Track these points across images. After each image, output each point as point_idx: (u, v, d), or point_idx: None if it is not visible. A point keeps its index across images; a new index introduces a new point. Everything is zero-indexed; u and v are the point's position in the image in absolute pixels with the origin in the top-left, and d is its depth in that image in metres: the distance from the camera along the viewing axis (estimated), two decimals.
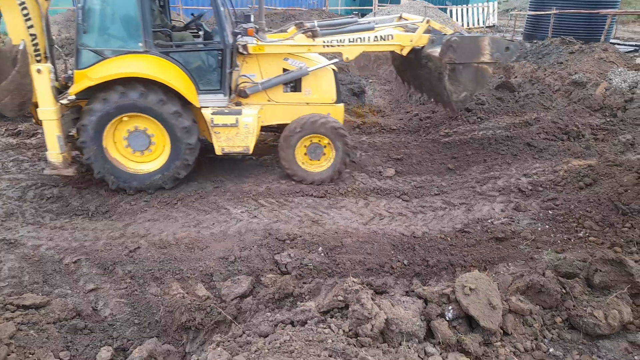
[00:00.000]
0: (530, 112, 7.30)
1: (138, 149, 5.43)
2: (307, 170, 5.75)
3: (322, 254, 4.33)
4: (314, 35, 5.51)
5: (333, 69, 5.86)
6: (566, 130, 6.72)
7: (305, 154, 5.72)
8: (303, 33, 5.55)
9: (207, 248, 4.44)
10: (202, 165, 6.00)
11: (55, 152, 5.17)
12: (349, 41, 5.58)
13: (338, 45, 5.60)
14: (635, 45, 15.39)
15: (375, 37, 5.61)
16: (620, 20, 21.25)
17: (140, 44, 5.09)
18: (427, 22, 5.73)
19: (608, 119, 7.34)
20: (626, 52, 13.73)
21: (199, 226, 4.82)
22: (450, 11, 22.16)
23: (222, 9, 5.28)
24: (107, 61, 5.10)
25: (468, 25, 22.39)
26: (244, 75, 5.64)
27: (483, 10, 23.20)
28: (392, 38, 5.63)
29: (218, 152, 5.50)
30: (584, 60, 10.76)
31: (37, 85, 4.95)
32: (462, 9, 22.73)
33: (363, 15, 21.11)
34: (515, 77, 9.48)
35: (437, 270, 4.14)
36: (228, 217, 5.01)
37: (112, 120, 5.15)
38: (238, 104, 5.64)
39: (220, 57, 5.30)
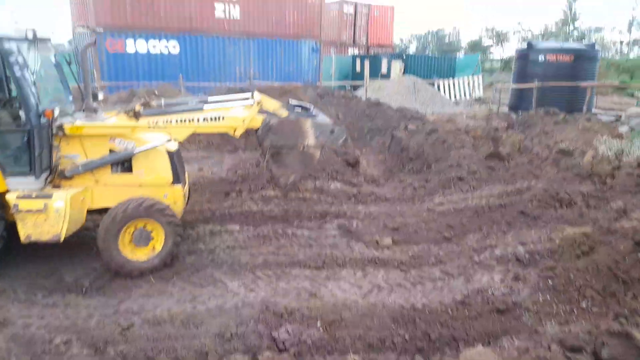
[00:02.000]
0: (521, 180, 7.48)
1: None
2: (135, 260, 5.14)
3: (321, 329, 4.21)
4: (136, 115, 5.29)
5: (169, 150, 5.54)
6: (558, 197, 6.84)
7: (132, 242, 5.18)
8: (125, 113, 5.37)
9: (203, 324, 4.31)
10: (202, 236, 5.98)
11: None
12: (177, 122, 5.33)
13: (164, 126, 5.35)
14: (616, 115, 16.09)
15: (205, 118, 5.39)
16: (599, 92, 22.35)
17: None
18: (258, 103, 5.55)
19: (598, 186, 7.51)
20: (608, 121, 14.33)
21: (195, 301, 4.72)
22: (438, 85, 23.28)
23: (27, 87, 4.78)
24: None
25: (455, 98, 23.43)
26: (66, 157, 5.25)
27: (469, 84, 24.40)
28: (222, 119, 5.40)
29: (23, 240, 4.89)
30: (569, 129, 11.20)
31: None
32: (449, 83, 23.90)
33: (355, 89, 22.10)
34: (504, 146, 9.80)
35: (440, 345, 4.03)
36: (225, 291, 4.92)
37: None
38: (57, 186, 5.24)
39: (27, 138, 4.86)
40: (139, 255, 5.17)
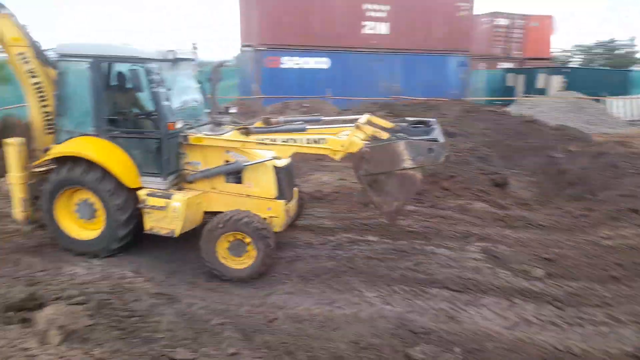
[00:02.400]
0: None
1: (84, 218, 5.95)
2: (227, 265, 5.43)
3: (460, 356, 4.00)
4: (247, 132, 5.52)
5: (276, 165, 5.70)
6: None
7: (228, 249, 5.45)
8: (237, 130, 5.62)
9: (339, 329, 4.42)
10: (342, 244, 6.15)
11: (18, 210, 6.05)
12: (281, 141, 5.45)
13: (271, 144, 5.50)
14: None
15: (308, 139, 5.39)
16: None
17: (91, 128, 5.74)
18: (357, 127, 5.37)
19: None
20: None
21: (332, 305, 4.87)
22: (607, 103, 20.58)
23: (161, 101, 5.49)
24: (70, 140, 5.81)
25: (630, 117, 20.44)
26: (189, 163, 5.84)
27: None
28: (324, 142, 5.32)
29: (146, 230, 5.70)
30: None
31: (8, 155, 5.88)
32: (621, 102, 20.98)
33: (506, 105, 20.72)
34: None
35: None
36: (361, 300, 4.99)
37: (62, 190, 5.80)
38: (181, 188, 5.82)
39: (158, 145, 5.59)
40: (234, 263, 5.46)
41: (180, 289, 5.11)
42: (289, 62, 21.18)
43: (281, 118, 6.25)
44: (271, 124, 5.96)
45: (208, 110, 6.42)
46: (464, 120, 14.05)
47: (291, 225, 6.41)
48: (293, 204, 6.24)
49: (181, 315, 4.54)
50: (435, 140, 5.09)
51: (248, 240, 5.36)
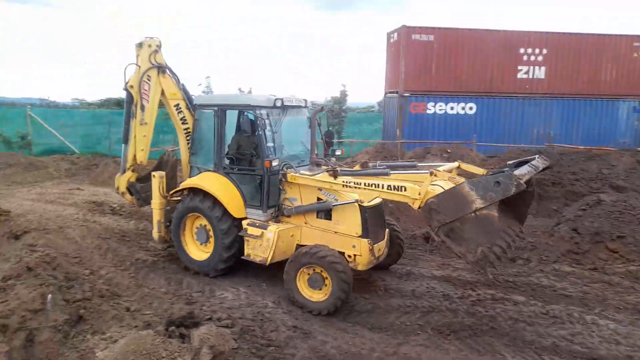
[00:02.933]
0: None
1: (201, 241, 6.85)
2: (307, 298, 5.71)
3: None
4: (335, 174, 5.80)
5: (362, 205, 5.77)
6: None
7: (307, 281, 5.74)
8: (327, 172, 5.94)
9: None
10: (483, 300, 5.73)
11: (155, 231, 7.30)
12: (364, 184, 5.61)
13: (355, 187, 5.68)
14: None
15: (389, 186, 5.45)
16: None
17: (212, 165, 6.79)
18: (432, 174, 5.30)
19: None
20: None
21: None
22: None
23: (263, 143, 6.16)
24: (197, 175, 6.92)
25: None
26: (287, 199, 6.33)
27: None
28: (404, 190, 5.31)
29: (243, 256, 6.37)
30: None
31: (153, 185, 7.17)
32: None
33: None
34: None
35: None
36: None
37: (186, 216, 6.85)
38: (278, 221, 6.36)
39: (259, 181, 6.30)
40: (312, 295, 5.73)
41: (315, 325, 5.26)
42: (434, 107, 21.10)
43: (378, 163, 6.59)
44: (367, 168, 6.28)
45: (317, 153, 7.04)
46: (637, 173, 12.22)
47: (383, 267, 6.76)
48: (382, 244, 6.17)
49: (314, 351, 4.65)
50: (501, 172, 4.79)
51: (325, 274, 5.58)
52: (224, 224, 6.49)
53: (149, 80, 7.34)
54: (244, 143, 6.82)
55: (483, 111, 21.16)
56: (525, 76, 20.91)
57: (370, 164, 6.48)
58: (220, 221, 6.49)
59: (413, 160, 6.89)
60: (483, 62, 20.83)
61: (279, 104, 6.49)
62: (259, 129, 6.19)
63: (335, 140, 23.70)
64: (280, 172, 6.29)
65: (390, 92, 23.25)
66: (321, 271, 5.62)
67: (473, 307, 5.79)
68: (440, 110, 21.15)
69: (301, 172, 6.28)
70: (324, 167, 6.44)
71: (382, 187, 5.48)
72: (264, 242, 6.13)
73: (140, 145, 7.58)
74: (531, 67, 20.94)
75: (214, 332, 4.42)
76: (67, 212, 8.79)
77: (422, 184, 5.18)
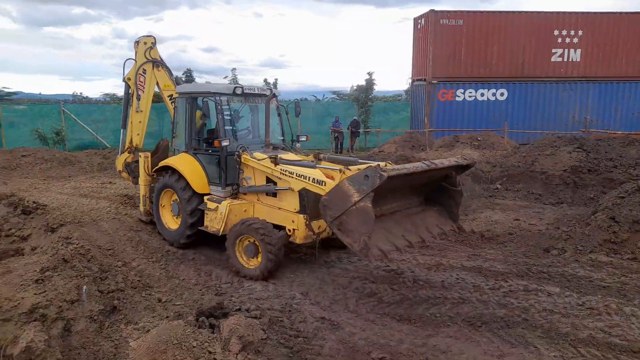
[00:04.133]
0: None
1: (174, 214, 7.68)
2: (242, 264, 6.40)
3: None
4: (275, 162, 6.39)
5: (300, 191, 6.18)
6: None
7: (244, 251, 6.40)
8: (269, 158, 6.49)
9: None
10: (515, 291, 5.60)
11: (141, 204, 8.42)
12: (296, 175, 6.13)
13: (289, 176, 6.21)
14: None
15: (313, 179, 5.93)
16: None
17: (184, 147, 7.60)
18: (341, 171, 5.57)
19: None
20: None
21: (502, 358, 4.41)
22: None
23: (222, 127, 6.90)
24: (174, 156, 7.80)
25: None
26: (244, 178, 6.96)
27: None
28: (324, 184, 5.76)
29: (202, 227, 7.10)
30: None
31: (140, 164, 8.32)
32: None
33: None
34: None
35: None
36: (537, 358, 4.40)
37: (162, 191, 7.72)
38: (236, 197, 7.01)
39: (218, 160, 7.02)
40: (247, 262, 6.40)
41: (342, 316, 5.24)
42: (463, 94, 20.63)
43: (327, 155, 7.29)
44: (319, 160, 7.05)
45: (282, 138, 7.93)
46: None
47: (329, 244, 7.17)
48: (323, 222, 6.16)
49: (343, 343, 4.64)
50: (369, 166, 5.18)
51: (257, 244, 6.18)
52: (187, 198, 7.26)
53: (144, 73, 8.48)
54: (206, 126, 7.78)
55: (515, 97, 20.59)
56: (559, 59, 20.20)
57: (321, 156, 7.21)
58: (184, 195, 7.28)
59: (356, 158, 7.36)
60: (515, 45, 20.22)
61: (238, 91, 7.16)
62: (217, 113, 6.94)
63: (361, 130, 23.59)
64: (236, 153, 6.86)
65: (418, 80, 22.86)
66: (254, 241, 6.22)
67: (505, 298, 5.65)
68: (469, 97, 20.69)
69: (253, 154, 6.82)
70: (286, 152, 7.24)
71: (308, 179, 5.98)
72: (218, 215, 6.83)
73: (136, 130, 8.78)
74: (566, 50, 20.20)
75: (243, 323, 4.47)
76: (100, 205, 9.05)
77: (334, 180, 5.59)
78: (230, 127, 7.22)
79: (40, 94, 44.41)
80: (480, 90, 20.50)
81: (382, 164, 5.97)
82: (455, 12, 20.31)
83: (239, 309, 5.14)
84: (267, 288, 6.01)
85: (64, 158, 14.69)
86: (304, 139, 7.88)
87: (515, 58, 20.25)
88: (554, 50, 20.14)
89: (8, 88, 28.01)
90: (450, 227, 6.03)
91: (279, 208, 6.56)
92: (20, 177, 12.59)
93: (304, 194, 6.21)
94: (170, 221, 7.78)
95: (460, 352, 4.50)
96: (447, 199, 6.05)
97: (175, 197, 7.61)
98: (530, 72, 20.30)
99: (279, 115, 7.95)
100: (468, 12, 20.43)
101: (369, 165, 5.66)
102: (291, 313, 5.26)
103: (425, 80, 20.99)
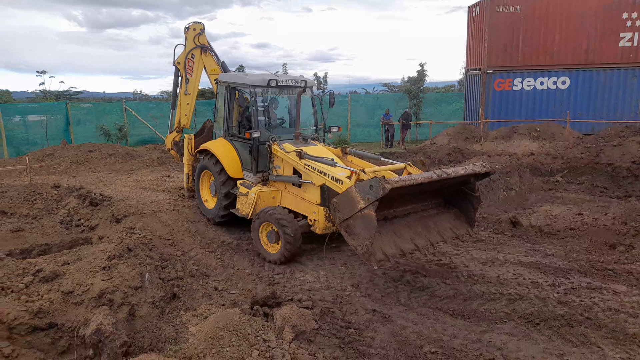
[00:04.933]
0: None
1: (212, 194, 8.25)
2: (265, 249, 6.80)
3: None
4: (300, 156, 6.69)
5: (321, 185, 6.44)
6: None
7: (266, 237, 6.79)
8: (295, 152, 6.79)
9: None
10: (577, 288, 5.33)
11: (184, 181, 9.26)
12: (317, 171, 6.41)
13: (311, 170, 6.51)
14: None
15: (332, 176, 6.18)
16: None
17: (223, 133, 8.12)
18: (356, 173, 5.76)
19: None
20: None
21: (562, 357, 4.23)
22: None
23: (256, 117, 7.31)
24: (214, 140, 8.46)
25: None
26: (274, 167, 7.32)
27: None
28: (341, 183, 5.98)
29: (233, 210, 7.61)
30: None
31: (184, 144, 9.01)
32: None
33: None
34: None
35: None
36: (600, 359, 4.18)
37: (202, 172, 8.37)
38: (266, 184, 7.41)
39: (250, 149, 7.38)
40: (269, 247, 6.77)
41: (394, 309, 5.22)
42: (521, 83, 19.76)
43: (352, 150, 7.62)
44: (346, 153, 7.48)
45: (314, 127, 8.18)
46: None
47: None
48: None
49: (394, 336, 4.62)
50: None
51: (277, 230, 6.53)
52: (222, 181, 7.78)
53: (192, 57, 9.00)
54: (242, 115, 8.18)
55: (577, 85, 19.44)
56: (628, 44, 18.84)
57: (348, 150, 7.57)
58: (220, 178, 7.80)
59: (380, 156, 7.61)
60: (578, 31, 19.07)
61: (273, 83, 7.36)
62: (252, 104, 7.31)
63: (412, 123, 23.21)
64: (267, 143, 7.23)
65: (472, 70, 22.13)
66: (272, 227, 6.61)
67: (566, 295, 5.40)
68: (528, 86, 19.77)
69: (283, 146, 7.11)
70: (317, 142, 7.62)
71: (327, 176, 6.25)
72: (248, 199, 7.23)
73: (184, 112, 9.38)
74: (636, 34, 18.80)
75: (295, 312, 4.56)
76: (160, 198, 9.49)
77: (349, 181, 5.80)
78: (264, 118, 7.57)
79: (104, 92, 47.11)
80: (540, 79, 19.50)
81: (401, 165, 6.55)
82: None
83: (292, 299, 5.24)
84: (319, 279, 6.09)
85: (126, 153, 15.52)
86: (335, 129, 8.10)
87: (579, 44, 19.08)
88: (622, 35, 18.77)
89: (75, 88, 29.79)
90: (465, 231, 6.20)
91: (303, 199, 6.88)
92: (87, 170, 13.44)
93: (325, 188, 6.44)
94: (209, 199, 8.38)
95: (517, 349, 4.36)
96: (466, 204, 6.18)
97: (213, 178, 8.17)
98: (596, 58, 19.05)
99: (314, 105, 8.18)
100: None
101: (375, 174, 5.71)
102: (342, 304, 5.30)
103: (480, 69, 20.27)
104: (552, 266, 6.28)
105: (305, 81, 7.86)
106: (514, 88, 19.82)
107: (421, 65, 24.03)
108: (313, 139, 7.84)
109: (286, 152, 6.97)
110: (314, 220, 6.63)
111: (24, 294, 4.37)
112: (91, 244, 6.66)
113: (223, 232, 7.94)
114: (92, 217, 7.87)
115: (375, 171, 6.01)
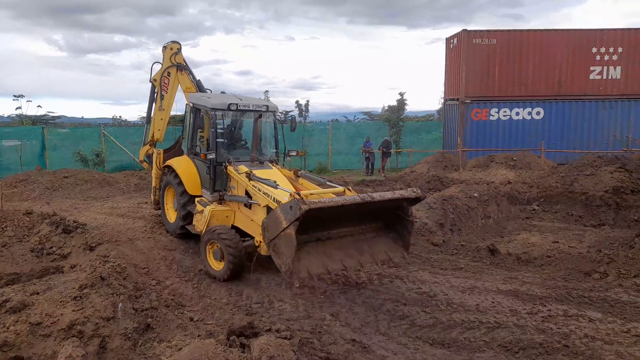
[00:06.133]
0: None
1: (175, 207, 8.57)
2: (211, 266, 6.93)
3: None
4: (249, 177, 6.92)
5: (268, 205, 6.47)
6: None
7: (212, 254, 6.94)
8: (244, 173, 7.02)
9: None
10: (554, 316, 5.35)
11: (152, 194, 9.52)
12: (262, 192, 6.60)
13: (257, 192, 6.71)
14: None
15: (274, 198, 6.33)
16: None
17: (185, 150, 8.60)
18: (291, 195, 5.92)
19: None
20: None
21: None
22: None
23: (214, 139, 7.62)
24: (179, 157, 8.83)
25: None
26: (230, 186, 7.55)
27: None
28: (279, 204, 5.92)
29: (189, 227, 7.91)
30: None
31: (153, 159, 9.27)
32: None
33: None
34: None
35: None
36: None
37: (166, 187, 8.77)
38: (221, 203, 7.59)
39: (208, 168, 7.63)
40: (215, 265, 6.89)
41: (374, 339, 5.15)
42: (497, 113, 20.32)
43: (303, 172, 7.86)
44: (298, 176, 7.68)
45: (274, 151, 8.41)
46: None
47: None
48: None
49: None
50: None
51: (222, 248, 6.68)
52: (181, 195, 8.16)
53: (168, 75, 9.36)
54: (201, 136, 8.45)
55: (551, 116, 20.12)
56: (598, 77, 19.68)
57: (300, 172, 7.79)
58: (179, 194, 8.17)
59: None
60: (551, 64, 19.86)
61: (233, 107, 7.68)
62: (211, 126, 7.63)
63: (392, 151, 23.54)
64: (224, 164, 7.49)
65: (450, 100, 22.71)
66: (219, 246, 6.74)
67: (543, 323, 5.42)
68: (504, 116, 20.36)
69: (237, 167, 7.34)
70: (262, 167, 7.77)
71: (270, 197, 6.43)
72: (203, 217, 7.45)
73: (157, 126, 9.69)
74: (605, 67, 19.69)
75: (273, 343, 4.44)
76: (136, 225, 9.31)
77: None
78: (222, 140, 7.91)
79: (82, 117, 46.59)
80: (516, 109, 20.13)
81: (341, 188, 6.81)
82: (488, 31, 20.17)
83: (269, 329, 5.12)
84: (298, 309, 5.99)
85: (102, 179, 15.26)
86: (294, 153, 8.45)
87: (552, 76, 19.85)
88: (592, 68, 19.63)
89: (53, 112, 29.45)
90: (400, 254, 6.49)
91: (252, 220, 7.04)
92: (62, 197, 13.14)
93: (269, 209, 6.49)
94: (171, 214, 8.81)
95: None
96: (401, 228, 6.45)
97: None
98: (568, 90, 19.82)
99: (275, 129, 8.43)
100: (502, 31, 20.24)
101: (310, 196, 6.13)
102: (321, 334, 5.21)
103: (458, 99, 20.81)
104: (530, 294, 6.33)
105: (267, 105, 8.09)
106: (491, 118, 20.37)
107: (401, 94, 24.56)
108: (271, 162, 8.12)
109: (239, 173, 7.21)
110: (260, 241, 6.67)
111: None
112: (63, 272, 6.45)
113: (200, 261, 7.79)
114: (64, 245, 7.64)
115: (312, 193, 6.44)
